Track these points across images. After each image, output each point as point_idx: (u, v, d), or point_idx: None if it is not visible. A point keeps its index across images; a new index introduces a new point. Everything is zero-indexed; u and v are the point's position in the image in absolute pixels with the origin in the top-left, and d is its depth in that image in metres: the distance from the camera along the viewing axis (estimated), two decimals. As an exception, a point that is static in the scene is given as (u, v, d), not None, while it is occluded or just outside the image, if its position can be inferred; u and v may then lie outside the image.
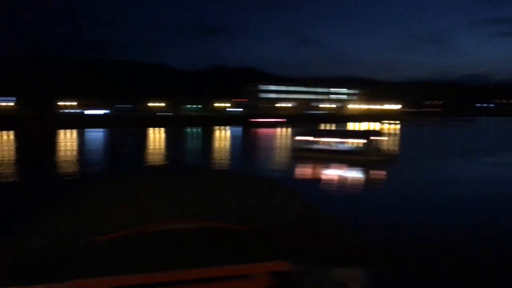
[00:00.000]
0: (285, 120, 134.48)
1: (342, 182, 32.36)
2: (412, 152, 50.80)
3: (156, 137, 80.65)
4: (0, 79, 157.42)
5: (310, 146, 46.55)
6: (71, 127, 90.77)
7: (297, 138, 48.59)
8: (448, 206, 23.66)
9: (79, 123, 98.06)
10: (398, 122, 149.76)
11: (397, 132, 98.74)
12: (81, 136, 76.09)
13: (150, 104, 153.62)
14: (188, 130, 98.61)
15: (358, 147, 44.29)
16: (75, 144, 63.64)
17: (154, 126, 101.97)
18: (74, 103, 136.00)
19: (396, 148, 45.70)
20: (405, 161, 41.74)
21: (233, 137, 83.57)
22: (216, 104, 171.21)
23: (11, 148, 55.92)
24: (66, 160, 43.67)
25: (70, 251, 3.21)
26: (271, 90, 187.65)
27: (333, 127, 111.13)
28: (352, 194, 28.05)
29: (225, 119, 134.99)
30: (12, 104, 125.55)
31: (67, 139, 70.38)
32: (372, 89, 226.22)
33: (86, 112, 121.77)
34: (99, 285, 2.71)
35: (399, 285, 4.49)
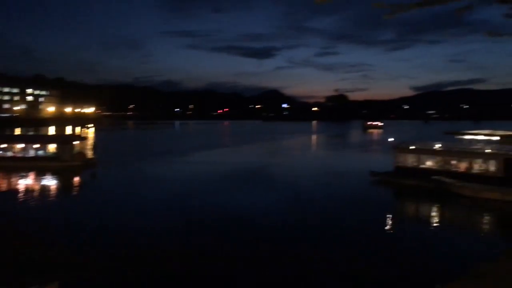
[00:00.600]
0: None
1: (30, 193, 30.64)
2: (109, 155, 52.44)
3: None
4: None
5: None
6: None
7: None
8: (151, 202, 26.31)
9: None
10: (96, 125, 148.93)
11: (95, 136, 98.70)
12: None
13: None
14: None
15: (52, 152, 42.48)
16: None
17: None
18: None
19: (94, 152, 46.18)
20: (102, 165, 42.81)
21: None
22: None
23: None
24: None
25: None
26: None
27: (26, 131, 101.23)
28: (41, 206, 27.20)
29: None
30: None
31: None
32: (69, 91, 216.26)
33: None
34: None
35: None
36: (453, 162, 31.44)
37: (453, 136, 42.98)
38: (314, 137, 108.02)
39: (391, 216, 23.91)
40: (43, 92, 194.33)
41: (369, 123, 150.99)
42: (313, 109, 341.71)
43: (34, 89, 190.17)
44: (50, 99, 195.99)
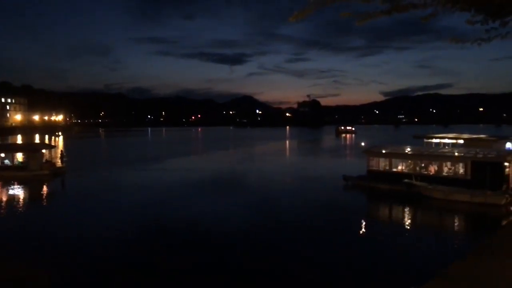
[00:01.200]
0: None
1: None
2: (79, 164, 51.24)
3: None
4: None
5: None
6: None
7: None
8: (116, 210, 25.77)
9: None
10: (65, 133, 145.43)
11: (64, 144, 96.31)
12: None
13: None
14: None
15: (19, 162, 41.21)
16: None
17: None
18: None
19: (62, 161, 44.99)
20: (72, 173, 41.75)
21: None
22: None
23: None
24: None
25: None
26: None
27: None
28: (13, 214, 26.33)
29: None
30: None
31: None
32: (37, 99, 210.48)
33: None
34: None
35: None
36: (424, 165, 32.17)
37: (422, 140, 44.12)
38: (287, 142, 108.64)
39: (363, 219, 24.22)
40: (9, 100, 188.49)
41: (342, 128, 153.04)
42: (286, 114, 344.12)
43: (0, 96, 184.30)
44: (17, 107, 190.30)
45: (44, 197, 32.84)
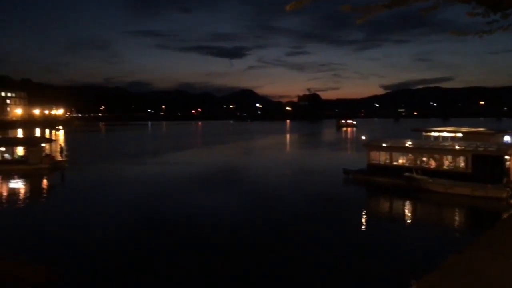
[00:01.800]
0: None
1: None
2: (79, 157, 51.26)
3: None
4: None
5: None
6: None
7: None
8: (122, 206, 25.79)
9: None
10: (65, 127, 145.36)
11: (65, 138, 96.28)
12: None
13: None
14: None
15: (19, 155, 41.23)
16: None
17: None
18: None
19: (62, 154, 45.02)
20: (72, 167, 41.76)
21: None
22: None
23: None
24: None
25: None
26: None
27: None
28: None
29: None
30: None
31: None
32: (36, 93, 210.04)
33: None
34: None
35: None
36: (424, 158, 32.13)
37: (420, 133, 44.08)
38: (287, 136, 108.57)
39: (364, 213, 24.23)
40: (9, 94, 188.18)
41: (342, 121, 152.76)
42: (286, 108, 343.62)
43: (0, 90, 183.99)
44: (17, 101, 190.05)
45: (43, 190, 32.86)
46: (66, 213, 24.05)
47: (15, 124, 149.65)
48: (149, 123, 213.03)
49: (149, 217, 22.96)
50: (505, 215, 22.85)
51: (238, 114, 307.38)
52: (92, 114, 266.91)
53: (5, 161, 40.57)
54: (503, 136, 39.27)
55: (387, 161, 33.69)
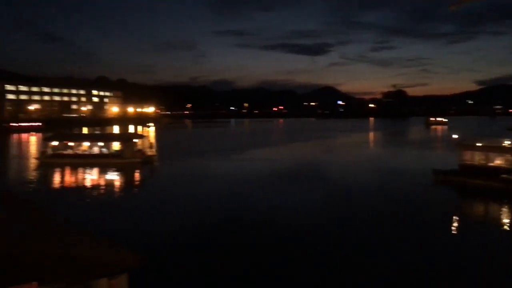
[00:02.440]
0: (40, 124, 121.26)
1: (96, 187, 32.16)
2: (167, 153, 54.13)
3: None
4: None
5: (61, 151, 44.21)
6: None
7: (47, 143, 45.40)
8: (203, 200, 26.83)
9: None
10: (155, 124, 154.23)
11: (155, 134, 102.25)
12: None
13: None
14: None
15: (114, 150, 44.49)
16: None
17: None
18: None
19: (152, 149, 47.87)
20: (161, 161, 44.22)
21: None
22: None
23: None
24: None
25: None
26: (22, 91, 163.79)
27: (92, 130, 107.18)
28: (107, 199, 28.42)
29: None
30: None
31: None
32: (130, 92, 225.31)
33: None
34: None
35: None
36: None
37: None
38: (371, 134, 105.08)
39: (454, 218, 22.56)
40: (107, 93, 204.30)
41: (432, 119, 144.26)
42: (369, 105, 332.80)
43: (99, 90, 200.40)
44: (113, 100, 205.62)
45: (135, 183, 35.13)
46: (155, 205, 25.45)
47: (111, 121, 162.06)
48: (232, 120, 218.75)
49: (232, 212, 23.48)
50: None
51: (319, 111, 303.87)
52: (179, 112, 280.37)
53: (102, 155, 44.14)
54: None
55: (482, 162, 31.10)
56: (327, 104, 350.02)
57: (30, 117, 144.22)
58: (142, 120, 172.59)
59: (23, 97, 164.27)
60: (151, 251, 15.98)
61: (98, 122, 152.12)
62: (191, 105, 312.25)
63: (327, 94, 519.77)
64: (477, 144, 31.98)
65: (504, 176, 27.95)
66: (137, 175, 37.74)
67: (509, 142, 31.45)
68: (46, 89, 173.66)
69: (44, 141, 47.15)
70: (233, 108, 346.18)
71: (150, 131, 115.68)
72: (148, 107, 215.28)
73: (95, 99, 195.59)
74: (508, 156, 30.07)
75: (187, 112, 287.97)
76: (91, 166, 40.42)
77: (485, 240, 18.44)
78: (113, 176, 36.17)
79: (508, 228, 21.17)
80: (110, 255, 4.71)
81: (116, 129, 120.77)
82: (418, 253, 16.54)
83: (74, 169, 39.22)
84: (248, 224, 21.01)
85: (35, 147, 64.60)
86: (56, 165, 40.94)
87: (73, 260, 4.11)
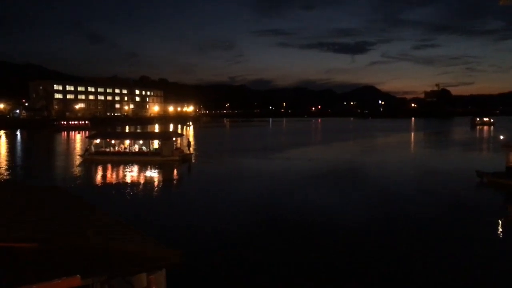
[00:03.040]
0: (87, 122, 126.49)
1: (137, 184, 32.92)
2: (205, 151, 54.83)
3: None
4: None
5: (103, 149, 45.75)
6: None
7: (90, 141, 47.08)
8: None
9: None
10: (195, 123, 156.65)
11: (194, 132, 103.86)
12: None
13: None
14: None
15: (154, 148, 45.49)
16: None
17: None
18: None
19: (191, 148, 48.72)
20: (198, 159, 44.81)
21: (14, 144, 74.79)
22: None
23: None
24: None
25: None
26: (68, 91, 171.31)
27: (134, 129, 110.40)
28: (148, 196, 29.02)
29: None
30: None
31: None
32: (171, 91, 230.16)
33: None
34: None
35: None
36: None
37: None
38: (412, 134, 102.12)
39: (501, 223, 21.47)
40: (149, 93, 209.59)
41: (478, 119, 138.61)
42: (411, 105, 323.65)
43: (141, 90, 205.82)
44: (155, 99, 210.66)
45: (173, 180, 35.75)
46: (191, 202, 25.78)
47: (153, 120, 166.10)
48: (270, 119, 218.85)
49: (269, 211, 23.39)
50: None
51: (359, 111, 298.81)
52: (218, 111, 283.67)
53: (143, 153, 45.27)
54: None
55: (532, 164, 29.47)
56: (366, 103, 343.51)
57: (76, 115, 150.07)
58: (182, 119, 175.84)
59: (69, 96, 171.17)
60: (189, 248, 16.16)
61: (140, 121, 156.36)
62: (230, 104, 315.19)
63: (367, 93, 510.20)
64: (527, 145, 30.36)
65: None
66: (174, 173, 38.40)
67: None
68: (91, 89, 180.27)
69: (88, 139, 48.94)
70: (271, 107, 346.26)
71: (189, 130, 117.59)
72: (188, 106, 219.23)
73: (137, 99, 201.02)
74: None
75: (226, 111, 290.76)
76: (131, 163, 41.56)
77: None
78: (152, 173, 36.98)
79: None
80: (150, 250, 4.78)
81: (156, 128, 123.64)
82: (465, 259, 15.86)
83: (115, 166, 40.43)
84: (288, 223, 20.85)
85: (80, 144, 67.14)
86: (99, 162, 42.39)
87: (114, 254, 4.17)
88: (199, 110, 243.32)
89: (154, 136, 53.70)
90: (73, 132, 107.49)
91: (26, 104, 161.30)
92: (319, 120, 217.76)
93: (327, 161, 45.48)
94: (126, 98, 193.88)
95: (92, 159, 44.01)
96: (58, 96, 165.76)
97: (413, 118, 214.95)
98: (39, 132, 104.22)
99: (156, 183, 32.94)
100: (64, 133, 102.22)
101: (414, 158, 50.55)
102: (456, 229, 19.82)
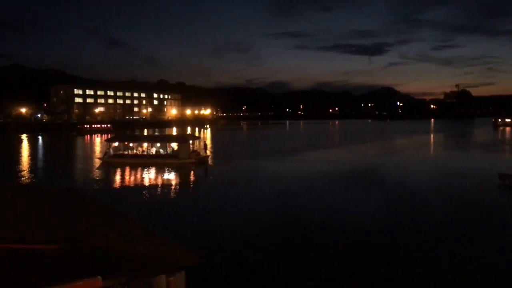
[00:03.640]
0: (109, 126, 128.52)
1: (155, 186, 33.17)
2: (222, 154, 54.99)
3: None
4: None
5: (122, 151, 46.28)
6: None
7: (109, 144, 47.67)
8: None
9: None
10: (212, 126, 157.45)
11: (211, 135, 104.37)
12: None
13: None
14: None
15: (171, 151, 45.84)
16: None
17: None
18: None
19: (207, 150, 48.94)
20: (215, 162, 44.96)
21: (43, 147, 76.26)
22: (18, 109, 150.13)
23: None
24: None
25: None
26: (88, 95, 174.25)
27: (152, 132, 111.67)
28: (165, 198, 29.21)
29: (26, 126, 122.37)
30: None
31: None
32: (188, 94, 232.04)
33: None
34: None
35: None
36: None
37: None
38: (431, 136, 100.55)
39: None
40: (166, 96, 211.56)
41: (500, 120, 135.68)
42: (430, 106, 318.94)
43: (159, 93, 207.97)
44: (172, 102, 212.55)
45: (190, 183, 35.90)
46: (208, 204, 25.81)
47: (170, 123, 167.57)
48: (287, 122, 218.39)
49: (286, 213, 23.25)
50: None
51: (376, 113, 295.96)
52: (235, 114, 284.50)
53: (160, 155, 45.66)
54: None
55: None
56: (384, 105, 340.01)
57: (95, 119, 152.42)
58: (199, 121, 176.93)
59: (89, 100, 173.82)
60: (207, 250, 16.17)
61: (158, 124, 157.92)
62: (247, 107, 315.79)
63: (385, 95, 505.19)
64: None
65: None
66: (191, 175, 38.58)
67: None
68: (110, 93, 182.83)
69: (107, 142, 49.61)
70: (289, 109, 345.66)
71: (207, 132, 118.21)
72: (205, 109, 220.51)
73: (155, 102, 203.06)
74: None
75: (243, 114, 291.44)
76: (149, 166, 41.93)
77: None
78: (169, 176, 37.22)
79: None
80: (169, 252, 4.79)
81: (174, 131, 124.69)
82: (482, 261, 15.48)
83: (133, 168, 40.85)
84: (307, 226, 20.69)
85: (100, 147, 68.12)
86: (117, 164, 42.89)
87: (134, 256, 4.19)
88: (216, 113, 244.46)
89: (171, 139, 54.10)
90: (95, 135, 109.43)
91: (47, 108, 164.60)
92: (336, 122, 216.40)
93: (344, 163, 45.03)
94: (144, 102, 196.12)
95: (110, 161, 44.56)
96: (78, 100, 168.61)
97: (432, 120, 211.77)
98: (62, 136, 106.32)
99: (173, 186, 33.14)
100: (87, 137, 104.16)
101: (433, 160, 49.72)
102: (475, 232, 19.36)
